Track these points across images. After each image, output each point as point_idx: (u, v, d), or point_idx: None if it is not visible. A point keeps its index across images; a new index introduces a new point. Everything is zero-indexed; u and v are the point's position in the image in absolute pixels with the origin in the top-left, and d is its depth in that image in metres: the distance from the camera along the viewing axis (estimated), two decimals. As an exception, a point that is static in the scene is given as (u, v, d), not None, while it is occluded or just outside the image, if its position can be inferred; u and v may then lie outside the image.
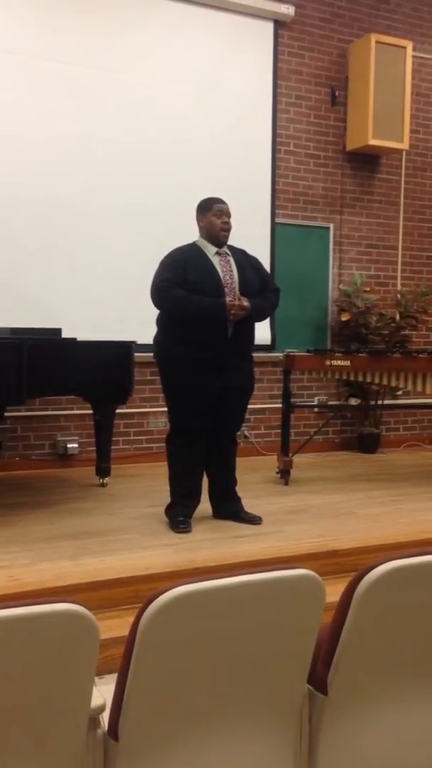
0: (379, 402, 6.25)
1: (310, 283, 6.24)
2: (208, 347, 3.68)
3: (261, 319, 3.92)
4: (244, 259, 3.88)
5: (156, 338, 3.86)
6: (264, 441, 6.04)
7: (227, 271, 3.77)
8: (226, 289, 3.71)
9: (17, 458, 5.29)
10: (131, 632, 1.47)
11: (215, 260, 3.77)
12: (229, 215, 3.79)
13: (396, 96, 6.13)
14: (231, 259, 3.82)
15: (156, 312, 3.84)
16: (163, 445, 3.96)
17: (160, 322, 3.84)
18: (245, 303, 3.67)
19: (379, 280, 6.56)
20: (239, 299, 3.68)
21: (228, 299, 3.66)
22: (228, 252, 3.83)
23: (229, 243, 3.86)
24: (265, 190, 5.99)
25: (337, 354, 4.90)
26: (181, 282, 3.68)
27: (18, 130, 5.11)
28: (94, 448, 4.82)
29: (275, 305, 3.99)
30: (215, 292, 3.68)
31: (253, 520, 3.88)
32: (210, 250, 3.79)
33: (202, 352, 3.68)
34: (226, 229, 3.78)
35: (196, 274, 3.70)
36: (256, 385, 4.05)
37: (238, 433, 4.09)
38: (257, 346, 4.05)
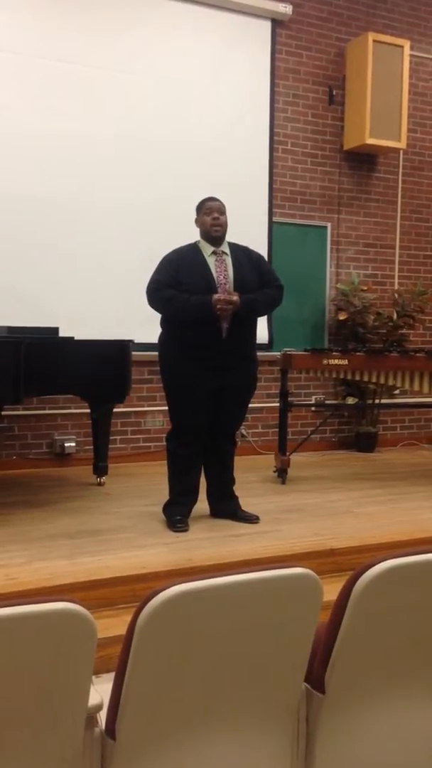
0: (377, 401, 6.25)
1: (307, 282, 6.24)
2: (203, 346, 3.68)
3: (255, 314, 3.85)
4: (243, 257, 3.86)
5: (159, 338, 3.88)
6: (261, 440, 6.04)
7: (221, 271, 3.76)
8: (219, 289, 3.70)
9: (14, 457, 5.28)
10: (128, 631, 1.48)
11: (210, 260, 3.76)
12: (221, 211, 3.77)
13: (393, 95, 6.13)
14: (228, 258, 3.80)
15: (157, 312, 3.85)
16: (161, 443, 3.97)
17: (161, 322, 3.86)
18: (234, 297, 3.64)
19: (376, 279, 6.57)
20: (227, 293, 3.66)
21: (215, 295, 3.64)
22: (226, 251, 3.82)
23: (232, 241, 3.86)
24: (263, 189, 5.99)
25: (334, 353, 4.89)
26: (174, 283, 3.69)
27: (16, 129, 5.09)
28: (92, 447, 4.81)
29: (275, 300, 3.90)
30: (207, 291, 3.67)
31: (251, 519, 3.88)
32: (207, 250, 3.78)
33: (197, 351, 3.68)
34: (218, 224, 3.76)
35: (188, 275, 3.71)
36: (253, 384, 4.03)
37: (236, 432, 4.09)
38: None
